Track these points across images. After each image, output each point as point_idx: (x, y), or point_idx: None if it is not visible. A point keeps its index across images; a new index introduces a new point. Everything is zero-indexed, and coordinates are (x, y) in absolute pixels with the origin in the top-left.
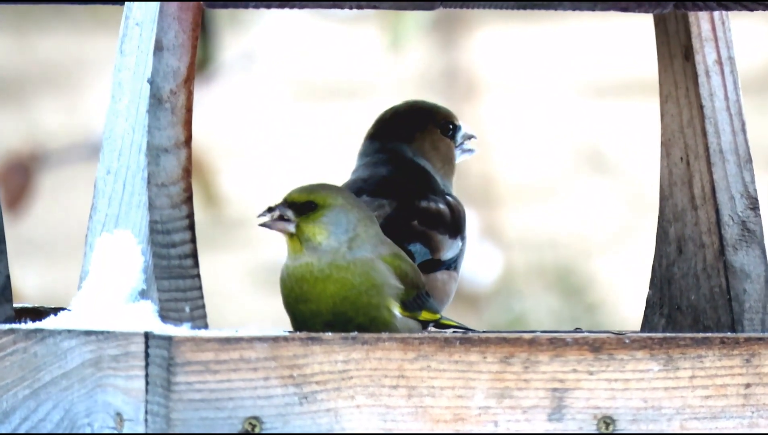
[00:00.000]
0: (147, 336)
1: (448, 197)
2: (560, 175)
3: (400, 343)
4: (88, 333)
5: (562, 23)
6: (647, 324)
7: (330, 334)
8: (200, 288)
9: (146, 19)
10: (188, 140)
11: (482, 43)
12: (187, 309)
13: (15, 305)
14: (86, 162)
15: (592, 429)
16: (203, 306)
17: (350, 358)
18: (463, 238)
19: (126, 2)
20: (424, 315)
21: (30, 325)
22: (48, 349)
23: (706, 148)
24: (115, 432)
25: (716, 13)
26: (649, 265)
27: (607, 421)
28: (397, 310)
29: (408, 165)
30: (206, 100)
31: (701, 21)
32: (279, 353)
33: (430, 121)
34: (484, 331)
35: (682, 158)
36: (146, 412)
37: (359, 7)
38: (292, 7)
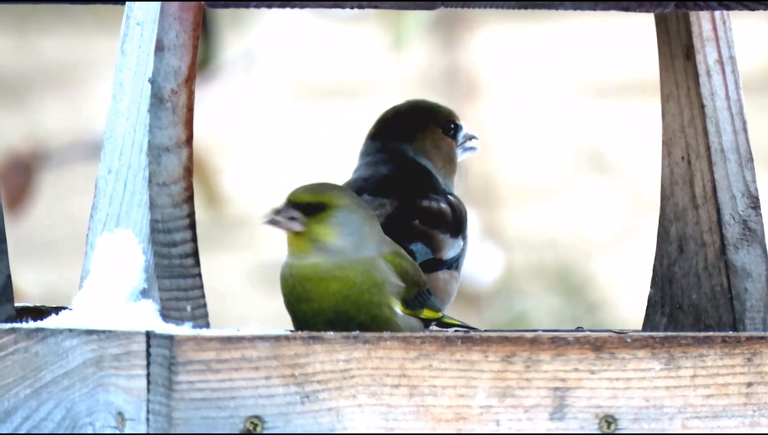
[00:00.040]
0: (148, 335)
1: (449, 196)
2: (561, 175)
3: (402, 342)
4: (89, 332)
5: (563, 23)
6: (649, 323)
7: (331, 333)
8: (201, 287)
9: (147, 19)
10: (189, 139)
11: (483, 42)
12: (189, 308)
13: (16, 304)
14: (87, 161)
15: (594, 428)
16: (204, 305)
17: (352, 357)
18: (464, 238)
19: (127, 2)
20: (426, 313)
21: (31, 324)
22: (49, 349)
23: (708, 148)
24: (117, 431)
25: (717, 13)
26: (650, 265)
27: (609, 420)
28: (398, 308)
29: (409, 164)
30: (207, 99)
31: (702, 20)
32: (280, 352)
33: (431, 120)
34: (485, 330)
35: (683, 157)
36: (148, 412)
37: (360, 7)
38: (293, 6)
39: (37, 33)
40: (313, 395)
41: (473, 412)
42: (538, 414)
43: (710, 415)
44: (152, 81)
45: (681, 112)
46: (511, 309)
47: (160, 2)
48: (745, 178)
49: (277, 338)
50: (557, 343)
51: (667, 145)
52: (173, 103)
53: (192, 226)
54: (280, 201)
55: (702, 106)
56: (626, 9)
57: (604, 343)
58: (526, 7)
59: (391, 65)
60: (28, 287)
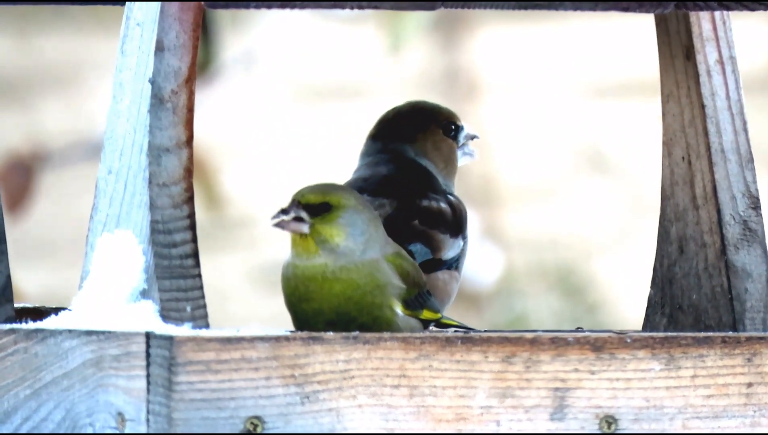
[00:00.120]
0: (148, 336)
1: (449, 196)
2: (561, 175)
3: (402, 343)
4: (89, 333)
5: (563, 23)
6: (649, 323)
7: (331, 333)
8: (201, 288)
9: (147, 20)
10: (189, 140)
11: (483, 43)
12: (189, 309)
13: (16, 305)
14: (87, 162)
15: (594, 428)
16: (204, 306)
17: (352, 357)
18: (464, 238)
19: (127, 3)
20: (426, 314)
21: (31, 325)
22: (49, 349)
23: (708, 148)
24: (117, 432)
25: (717, 13)
26: (650, 265)
27: (609, 420)
28: (399, 309)
29: (409, 165)
30: (207, 100)
31: (702, 21)
32: (280, 353)
33: (432, 121)
34: (485, 331)
35: (683, 158)
36: (148, 412)
37: (360, 7)
38: (293, 7)
39: (37, 33)
40: (313, 396)
41: (473, 413)
42: (539, 414)
43: (710, 416)
44: (152, 81)
45: (681, 112)
46: (511, 309)
47: (160, 3)
48: (745, 178)
49: (276, 339)
50: (557, 343)
51: (668, 145)
52: (173, 103)
53: (192, 227)
54: (286, 202)
55: (702, 107)
56: (626, 9)
57: (604, 344)
58: (525, 8)
59: (390, 66)
60: (27, 288)
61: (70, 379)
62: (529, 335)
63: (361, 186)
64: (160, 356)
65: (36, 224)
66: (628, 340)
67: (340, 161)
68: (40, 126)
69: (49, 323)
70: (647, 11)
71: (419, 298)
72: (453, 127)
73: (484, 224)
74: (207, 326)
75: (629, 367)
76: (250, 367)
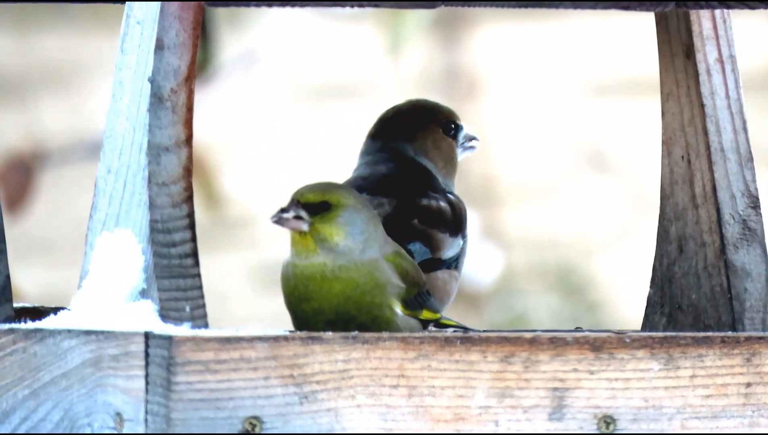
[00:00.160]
0: (147, 335)
1: (449, 195)
2: (561, 174)
3: (401, 343)
4: (88, 333)
5: (564, 22)
6: (648, 323)
7: (330, 333)
8: (201, 287)
9: (147, 18)
10: (189, 139)
11: (483, 41)
12: (188, 308)
13: (15, 305)
14: (87, 161)
15: (593, 428)
16: (204, 305)
17: (350, 357)
18: (464, 237)
19: (127, 1)
20: (425, 314)
21: (30, 324)
22: (48, 349)
23: (707, 147)
24: (115, 432)
25: (717, 12)
26: (650, 264)
27: (608, 420)
28: (398, 309)
29: (409, 164)
30: (207, 99)
31: (702, 19)
32: (279, 353)
33: (432, 120)
34: (484, 331)
35: (683, 157)
36: (146, 412)
37: (360, 6)
38: (293, 5)
39: (37, 33)
40: (311, 396)
41: (472, 413)
42: (537, 414)
43: (709, 416)
44: (152, 80)
45: (681, 111)
46: (510, 309)
47: (160, 1)
48: (745, 177)
49: (275, 339)
50: (556, 343)
51: (667, 144)
52: (173, 102)
53: (191, 226)
54: (285, 200)
55: (702, 106)
56: (626, 8)
57: (603, 344)
58: (526, 6)
59: (390, 65)
60: (27, 287)
61: (69, 379)
62: (527, 335)
63: (361, 185)
64: (159, 356)
65: (35, 223)
66: (627, 340)
67: (340, 160)
68: (40, 125)
69: (48, 323)
70: (647, 9)
71: (419, 298)
72: (453, 125)
73: (483, 223)
74: (206, 326)
75: (628, 367)
76: (249, 367)
